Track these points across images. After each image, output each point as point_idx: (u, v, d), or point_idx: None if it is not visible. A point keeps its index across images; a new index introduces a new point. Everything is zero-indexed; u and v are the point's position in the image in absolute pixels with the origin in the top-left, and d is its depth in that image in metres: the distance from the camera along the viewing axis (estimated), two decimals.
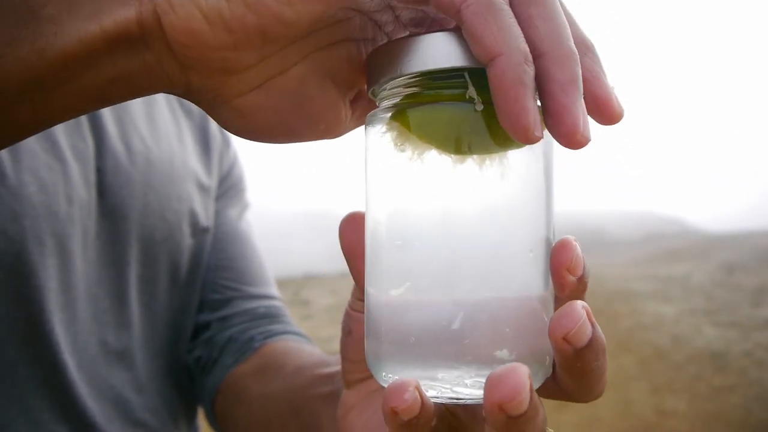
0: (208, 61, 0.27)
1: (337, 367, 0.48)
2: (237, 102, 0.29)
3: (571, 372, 0.29)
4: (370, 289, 0.31)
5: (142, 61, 0.27)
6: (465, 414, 0.34)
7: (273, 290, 0.68)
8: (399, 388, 0.27)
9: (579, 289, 0.29)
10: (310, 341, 0.65)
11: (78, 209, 0.52)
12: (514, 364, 0.26)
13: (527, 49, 0.25)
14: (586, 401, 0.31)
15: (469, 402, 0.28)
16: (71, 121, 0.53)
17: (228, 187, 0.71)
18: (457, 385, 0.28)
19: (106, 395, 0.55)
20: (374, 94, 0.32)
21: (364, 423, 0.38)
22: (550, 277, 0.29)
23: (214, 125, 0.72)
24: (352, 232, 0.34)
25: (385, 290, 0.30)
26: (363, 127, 0.32)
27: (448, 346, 0.28)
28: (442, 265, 0.29)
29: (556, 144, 0.28)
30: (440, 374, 0.28)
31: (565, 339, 0.27)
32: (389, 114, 0.30)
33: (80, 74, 0.27)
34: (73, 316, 0.52)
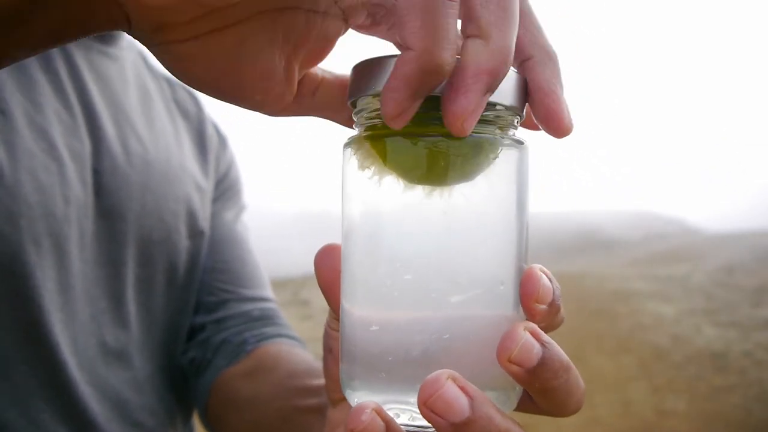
0: (144, 13, 0.27)
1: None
2: (174, 47, 0.29)
3: (533, 391, 0.29)
4: (345, 311, 0.31)
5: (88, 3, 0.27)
6: None
7: (268, 292, 0.68)
8: (357, 410, 0.28)
9: (551, 314, 0.30)
10: (303, 344, 0.65)
11: (75, 209, 0.52)
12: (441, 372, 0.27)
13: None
14: (563, 416, 0.31)
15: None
16: (68, 122, 0.53)
17: (225, 189, 0.71)
18: None
19: (106, 395, 0.55)
20: (353, 106, 0.31)
21: None
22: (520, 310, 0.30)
23: (210, 127, 0.72)
24: (327, 266, 0.34)
25: (358, 314, 0.30)
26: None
27: (418, 371, 0.28)
28: (410, 293, 0.29)
29: (531, 175, 0.30)
30: (412, 399, 0.28)
31: (510, 361, 0.27)
32: (362, 137, 0.30)
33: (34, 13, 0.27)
34: (71, 316, 0.52)
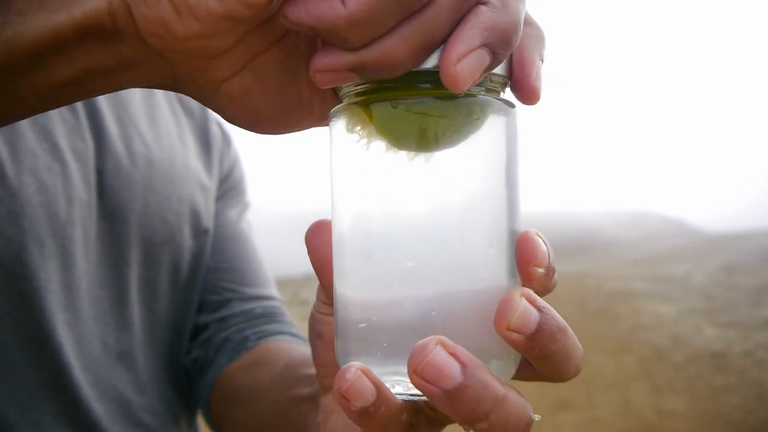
0: (184, 50, 0.27)
1: None
2: (225, 87, 0.29)
3: (532, 357, 0.29)
4: (338, 287, 0.31)
5: (119, 54, 0.28)
6: None
7: (272, 291, 0.68)
8: (343, 370, 0.28)
9: (548, 277, 0.30)
10: (306, 341, 0.64)
11: (78, 210, 0.52)
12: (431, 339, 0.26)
13: None
14: (563, 381, 0.31)
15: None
16: (72, 122, 0.53)
17: (229, 188, 0.71)
18: None
19: (109, 396, 0.55)
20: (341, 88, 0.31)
21: (343, 425, 0.38)
22: (517, 270, 0.30)
23: (214, 125, 0.71)
24: (318, 243, 0.33)
25: (350, 289, 0.31)
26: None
27: (410, 341, 0.28)
28: (401, 262, 0.29)
29: (521, 141, 0.30)
30: (405, 369, 0.28)
31: (509, 329, 0.27)
32: (350, 103, 0.30)
33: (51, 63, 0.27)
34: (76, 317, 0.52)
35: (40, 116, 0.51)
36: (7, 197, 0.47)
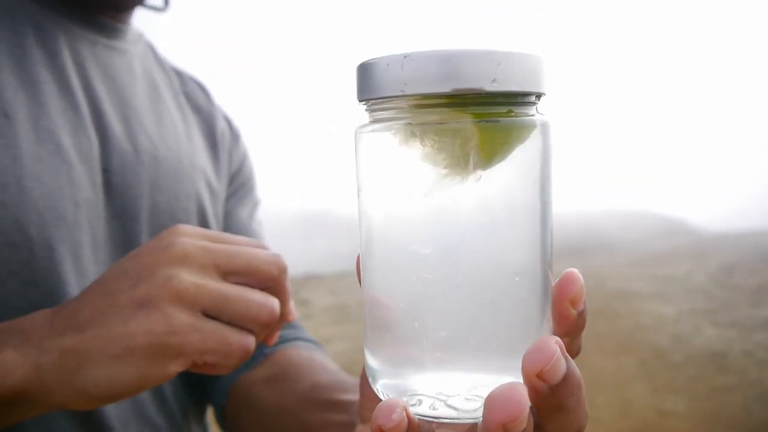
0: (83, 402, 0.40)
1: (354, 396, 0.49)
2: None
3: (547, 409, 0.28)
4: (366, 296, 0.31)
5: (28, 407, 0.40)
6: None
7: None
8: (389, 407, 0.27)
9: (578, 326, 0.29)
10: (321, 347, 0.64)
11: (85, 212, 0.52)
12: (514, 383, 0.26)
13: None
14: None
15: (456, 421, 0.28)
16: (75, 122, 0.53)
17: (240, 185, 0.70)
18: (450, 398, 0.28)
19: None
20: (371, 103, 0.30)
21: None
22: (548, 309, 0.29)
23: (222, 120, 0.70)
24: None
25: (379, 305, 0.30)
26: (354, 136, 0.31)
27: (437, 360, 0.28)
28: (430, 281, 0.28)
29: (553, 162, 0.29)
30: (429, 388, 0.28)
31: (539, 376, 0.26)
32: (401, 123, 0.29)
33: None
34: None
35: (42, 117, 0.51)
36: (11, 205, 0.47)
